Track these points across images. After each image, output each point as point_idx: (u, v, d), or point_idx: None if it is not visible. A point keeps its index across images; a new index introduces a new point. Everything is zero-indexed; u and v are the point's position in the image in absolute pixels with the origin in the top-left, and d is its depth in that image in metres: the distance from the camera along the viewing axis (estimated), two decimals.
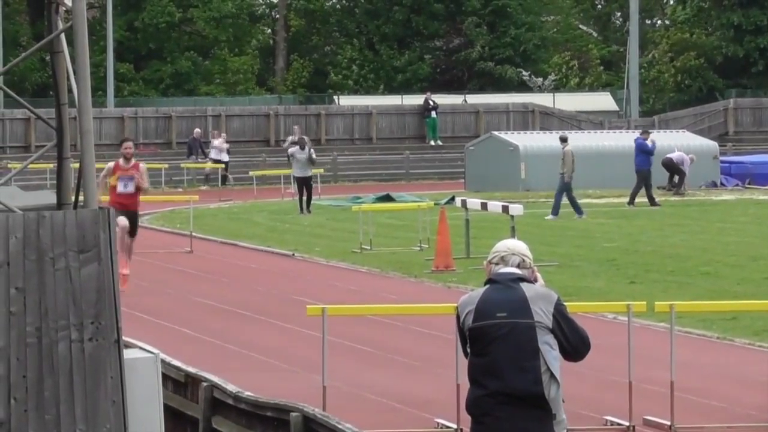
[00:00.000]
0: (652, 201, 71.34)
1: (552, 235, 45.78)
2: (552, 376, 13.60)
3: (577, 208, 54.00)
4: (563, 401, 13.86)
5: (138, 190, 35.10)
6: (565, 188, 65.33)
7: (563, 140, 74.05)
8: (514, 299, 13.65)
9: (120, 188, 34.42)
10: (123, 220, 33.59)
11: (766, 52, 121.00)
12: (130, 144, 37.32)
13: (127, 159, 35.48)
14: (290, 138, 79.80)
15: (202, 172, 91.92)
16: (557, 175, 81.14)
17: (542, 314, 13.62)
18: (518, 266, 13.77)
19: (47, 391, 16.04)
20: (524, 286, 13.69)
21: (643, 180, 72.95)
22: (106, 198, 34.06)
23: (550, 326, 13.56)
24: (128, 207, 34.80)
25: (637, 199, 71.82)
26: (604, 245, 49.54)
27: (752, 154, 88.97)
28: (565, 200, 62.92)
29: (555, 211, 52.74)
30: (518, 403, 13.65)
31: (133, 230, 35.28)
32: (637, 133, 78.14)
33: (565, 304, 14.00)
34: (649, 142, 74.38)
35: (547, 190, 76.30)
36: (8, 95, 19.59)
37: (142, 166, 36.53)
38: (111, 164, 35.14)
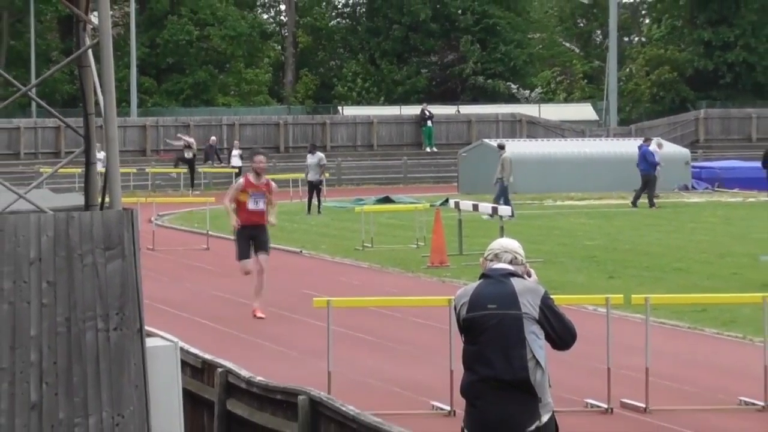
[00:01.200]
0: (651, 203, 71.20)
1: (539, 234, 45.80)
2: (537, 363, 13.82)
3: (511, 210, 53.73)
4: (550, 386, 14.00)
5: (268, 204, 32.34)
6: (503, 192, 65.73)
7: (501, 147, 74.62)
8: (504, 292, 13.88)
9: (251, 205, 31.65)
10: (248, 264, 32.12)
11: (733, 66, 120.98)
12: (262, 158, 33.54)
13: (258, 175, 32.67)
14: (312, 156, 79.90)
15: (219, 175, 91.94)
16: (544, 178, 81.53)
17: (529, 306, 13.83)
18: (510, 263, 14.06)
19: (75, 376, 16.07)
20: (514, 280, 13.93)
21: (647, 184, 73.06)
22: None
23: (537, 317, 13.80)
24: (257, 221, 32.05)
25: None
26: (586, 243, 49.57)
27: (721, 160, 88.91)
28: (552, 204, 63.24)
29: (494, 211, 52.45)
30: (506, 388, 13.86)
31: (265, 246, 32.15)
32: (653, 142, 78.26)
33: (552, 297, 14.26)
34: (652, 149, 74.53)
35: (532, 192, 76.37)
36: (40, 105, 19.57)
37: (274, 185, 33.30)
38: (241, 180, 32.81)
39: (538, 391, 13.89)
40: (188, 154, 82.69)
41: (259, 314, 29.41)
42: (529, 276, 14.23)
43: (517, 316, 13.85)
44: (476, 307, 13.93)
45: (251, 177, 32.48)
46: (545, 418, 14.02)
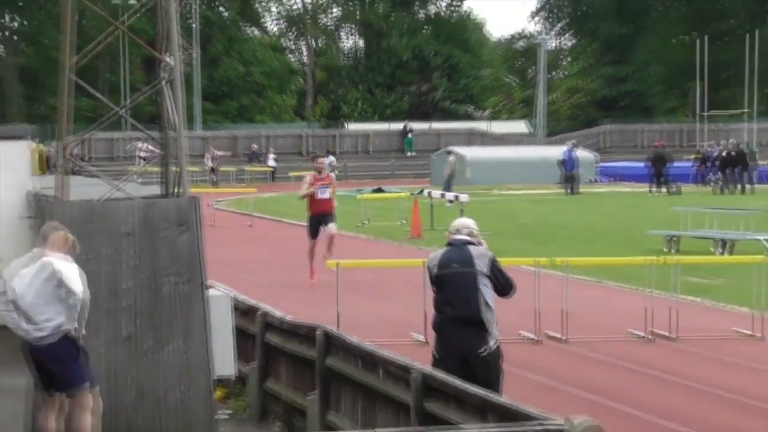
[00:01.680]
0: (574, 191, 71.88)
1: (488, 214, 45.57)
2: (488, 306, 14.42)
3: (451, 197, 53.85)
4: (496, 323, 14.36)
5: (332, 195, 32.81)
6: (447, 186, 66.44)
7: (448, 153, 77.05)
8: (464, 256, 14.56)
9: (318, 195, 32.21)
10: (322, 235, 32.19)
11: (629, 93, 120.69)
12: (322, 159, 34.78)
13: (319, 171, 32.95)
14: (327, 159, 79.70)
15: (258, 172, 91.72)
16: (492, 174, 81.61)
17: (482, 266, 14.48)
18: (468, 235, 14.83)
19: (157, 316, 16.24)
20: (471, 247, 14.62)
21: (572, 178, 73.30)
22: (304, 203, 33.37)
23: (487, 273, 14.62)
24: (326, 208, 32.38)
25: (569, 190, 72.20)
26: (522, 221, 49.53)
27: (618, 161, 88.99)
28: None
29: (449, 198, 52.62)
30: (465, 324, 14.55)
31: (330, 221, 32.33)
32: (566, 146, 78.26)
33: (497, 259, 15.02)
34: (574, 153, 74.77)
35: (484, 184, 76.28)
36: (131, 122, 19.32)
37: (333, 176, 35.00)
38: (308, 177, 33.02)
39: (488, 326, 14.46)
40: (213, 163, 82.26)
41: (312, 280, 29.23)
42: (481, 244, 14.76)
43: (473, 272, 14.49)
44: (444, 266, 14.65)
45: (315, 174, 32.81)
46: (492, 344, 14.43)
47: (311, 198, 32.42)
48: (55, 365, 13.72)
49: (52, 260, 13.56)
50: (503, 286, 14.80)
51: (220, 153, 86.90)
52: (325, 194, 32.19)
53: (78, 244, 14.19)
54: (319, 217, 32.17)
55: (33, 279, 13.57)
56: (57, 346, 13.63)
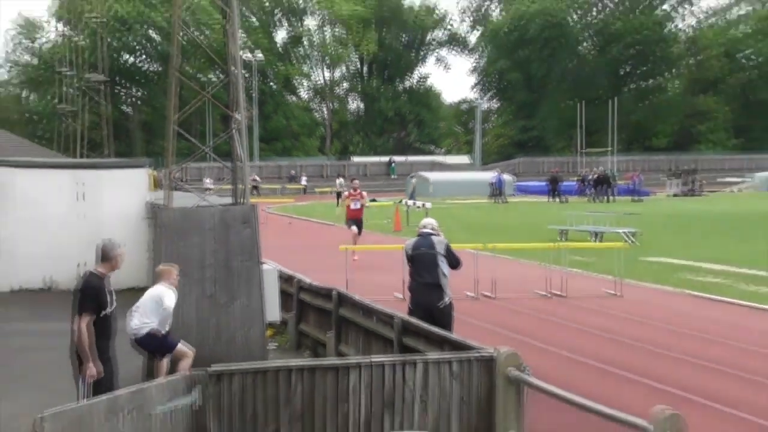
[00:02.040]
0: (502, 201, 71.56)
1: (444, 216, 45.48)
2: (444, 275, 14.71)
3: (415, 203, 53.91)
4: (449, 287, 14.52)
5: (362, 206, 33.39)
6: (411, 196, 65.99)
7: (412, 177, 78.85)
8: (428, 242, 14.78)
9: (352, 206, 33.18)
10: (354, 229, 32.68)
11: (533, 138, 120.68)
12: (357, 182, 35.99)
13: (354, 189, 33.65)
14: (338, 181, 79.37)
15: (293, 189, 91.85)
16: (446, 189, 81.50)
17: (440, 249, 14.70)
18: (431, 229, 14.82)
19: (228, 282, 16.09)
20: (433, 237, 14.86)
21: (501, 192, 73.17)
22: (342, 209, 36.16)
23: (444, 254, 14.62)
24: (356, 215, 33.10)
25: (497, 201, 72.15)
26: (466, 220, 49.47)
27: (528, 182, 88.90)
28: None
29: (417, 204, 52.78)
30: (428, 287, 14.75)
31: (359, 229, 32.98)
32: (495, 172, 78.61)
33: (450, 245, 15.18)
34: (503, 177, 75.33)
35: (442, 196, 76.25)
36: (213, 158, 19.41)
37: (364, 193, 34.44)
38: (346, 192, 35.29)
39: (444, 288, 14.65)
40: (255, 184, 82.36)
41: (355, 257, 28.59)
42: (439, 235, 14.84)
43: (434, 253, 14.72)
44: (416, 249, 14.90)
45: (351, 191, 33.79)
46: (447, 300, 14.58)
47: (347, 207, 33.74)
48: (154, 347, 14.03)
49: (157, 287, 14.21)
50: (454, 262, 14.93)
51: (258, 178, 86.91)
52: (356, 205, 33.03)
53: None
54: (352, 220, 32.97)
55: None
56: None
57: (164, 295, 13.95)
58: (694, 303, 23.02)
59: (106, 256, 11.19)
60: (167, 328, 14.10)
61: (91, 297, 10.95)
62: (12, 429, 12.21)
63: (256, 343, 16.64)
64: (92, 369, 10.86)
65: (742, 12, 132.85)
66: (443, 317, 14.32)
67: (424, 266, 14.74)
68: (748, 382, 14.65)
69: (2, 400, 14.12)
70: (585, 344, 17.52)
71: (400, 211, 48.47)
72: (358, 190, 33.58)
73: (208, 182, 76.19)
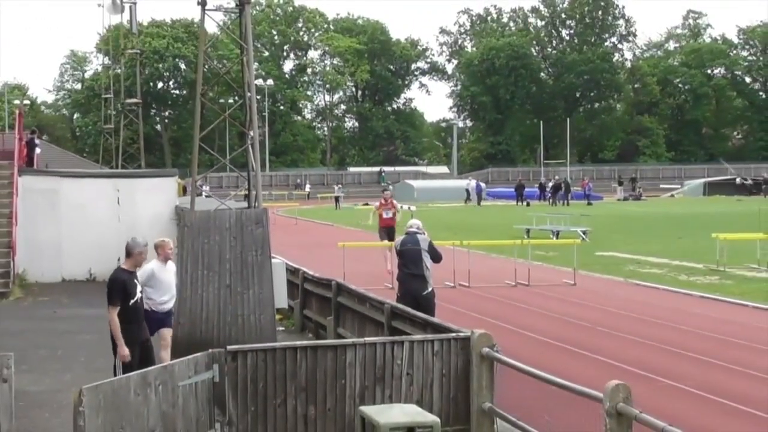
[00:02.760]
0: (479, 204, 71.58)
1: (426, 218, 45.41)
2: (427, 267, 14.52)
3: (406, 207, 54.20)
4: (432, 278, 14.24)
5: (394, 215, 28.54)
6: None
7: (389, 184, 77.67)
8: (414, 239, 14.55)
9: (384, 215, 28.49)
10: (384, 243, 26.18)
11: (502, 151, 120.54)
12: (389, 193, 30.55)
13: (385, 199, 28.94)
14: (336, 187, 79.01)
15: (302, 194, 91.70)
16: (429, 195, 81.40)
17: (424, 245, 14.51)
18: (417, 228, 14.43)
19: (244, 273, 15.85)
20: (418, 235, 14.71)
21: (479, 196, 73.23)
22: (374, 223, 30.10)
23: (428, 250, 14.42)
24: (388, 224, 28.33)
25: (472, 204, 71.98)
26: (445, 221, 49.40)
27: (498, 188, 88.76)
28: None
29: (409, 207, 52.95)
30: (415, 277, 14.54)
31: (391, 237, 26.69)
32: (473, 181, 78.75)
33: (433, 242, 14.85)
34: (481, 184, 75.49)
35: (425, 201, 76.11)
36: (231, 168, 19.33)
37: (396, 202, 29.86)
38: (377, 203, 29.31)
39: (427, 278, 14.43)
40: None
41: (389, 269, 22.42)
42: (424, 233, 14.60)
43: (419, 248, 14.55)
44: (404, 245, 14.76)
45: (383, 201, 29.14)
46: (430, 289, 14.41)
47: (380, 216, 29.25)
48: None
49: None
50: (436, 257, 14.79)
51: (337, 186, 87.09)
52: (388, 214, 28.68)
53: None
54: (386, 229, 28.47)
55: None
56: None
57: (149, 270, 12.88)
58: (638, 291, 22.98)
59: (129, 253, 11.14)
60: (164, 298, 13.21)
61: (117, 290, 10.89)
62: (56, 401, 12.11)
63: (267, 326, 16.52)
64: (123, 351, 10.83)
65: (673, 47, 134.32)
66: (427, 303, 14.22)
67: (411, 260, 14.62)
68: (683, 357, 14.59)
69: (47, 377, 14.01)
70: (546, 326, 17.42)
71: None
72: (390, 200, 29.44)
73: (206, 189, 75.38)
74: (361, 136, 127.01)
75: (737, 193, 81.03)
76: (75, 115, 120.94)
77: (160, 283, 12.80)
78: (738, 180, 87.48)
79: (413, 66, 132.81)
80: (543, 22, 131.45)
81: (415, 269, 14.60)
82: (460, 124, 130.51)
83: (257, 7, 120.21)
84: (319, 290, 17.66)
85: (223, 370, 9.67)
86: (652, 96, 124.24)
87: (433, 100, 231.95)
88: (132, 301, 11.01)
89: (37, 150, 38.19)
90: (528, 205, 69.45)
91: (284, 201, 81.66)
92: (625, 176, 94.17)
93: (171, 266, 13.07)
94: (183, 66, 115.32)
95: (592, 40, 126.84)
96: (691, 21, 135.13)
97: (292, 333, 18.34)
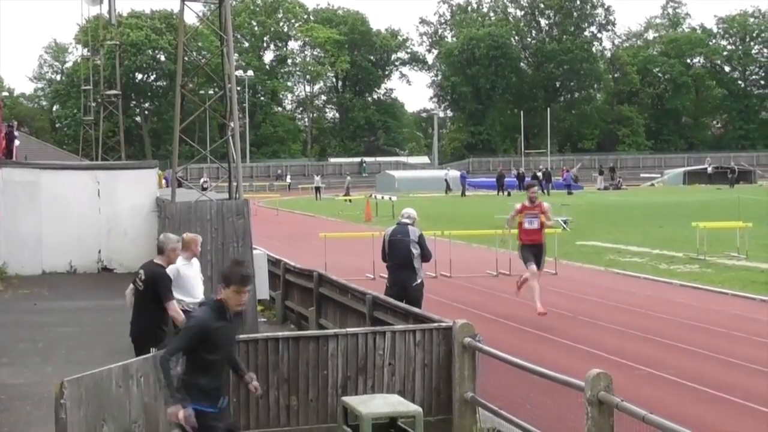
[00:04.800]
0: (462, 195, 71.57)
1: (409, 206, 45.52)
2: (416, 258, 14.21)
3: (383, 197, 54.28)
4: (422, 269, 14.39)
5: (542, 225, 17.73)
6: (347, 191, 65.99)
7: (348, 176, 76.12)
8: (404, 230, 14.51)
9: (526, 224, 17.72)
10: (532, 267, 17.47)
11: (483, 141, 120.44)
12: (536, 189, 19.11)
13: (532, 201, 17.83)
14: (317, 178, 78.78)
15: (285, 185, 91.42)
16: (410, 185, 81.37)
17: (414, 237, 14.45)
18: (408, 218, 14.46)
19: (226, 263, 15.88)
20: (409, 227, 14.67)
21: (464, 187, 73.33)
22: (514, 231, 18.94)
23: (417, 241, 14.33)
24: (534, 239, 17.70)
25: (453, 194, 72.03)
26: (426, 211, 49.32)
27: (479, 178, 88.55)
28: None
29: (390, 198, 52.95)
30: (403, 267, 14.48)
31: (538, 262, 17.76)
32: (450, 171, 78.73)
33: (423, 234, 14.74)
34: (465, 174, 75.84)
35: (406, 191, 76.08)
36: (212, 159, 19.23)
37: (546, 204, 18.39)
38: (518, 205, 18.13)
39: (416, 270, 14.27)
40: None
41: (540, 311, 16.84)
42: (414, 225, 14.46)
43: (408, 240, 14.43)
44: (394, 236, 14.59)
45: (527, 202, 17.97)
46: (419, 280, 14.29)
47: (520, 226, 18.10)
48: None
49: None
50: (426, 254, 14.48)
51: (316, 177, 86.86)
52: (533, 224, 17.82)
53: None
54: (529, 247, 17.79)
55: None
56: None
57: (173, 270, 11.44)
58: (619, 280, 23.04)
59: (161, 250, 10.81)
60: (191, 299, 11.57)
61: (167, 280, 10.46)
62: (37, 394, 12.04)
63: (249, 317, 16.50)
64: None
65: (653, 36, 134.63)
66: (416, 295, 14.01)
67: (400, 251, 14.43)
68: (663, 346, 14.65)
69: (28, 369, 13.94)
70: (528, 316, 17.44)
71: (371, 203, 48.29)
72: (538, 201, 18.17)
73: (206, 181, 75.36)
74: (342, 126, 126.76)
75: (715, 183, 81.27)
76: (54, 107, 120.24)
77: (186, 282, 11.46)
78: (709, 169, 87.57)
79: (393, 56, 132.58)
80: (522, 12, 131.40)
81: (403, 261, 14.43)
82: (441, 115, 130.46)
83: None
84: (300, 281, 17.62)
85: None
86: (632, 85, 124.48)
87: (413, 91, 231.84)
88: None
89: (17, 142, 37.94)
90: (509, 195, 69.43)
91: (265, 192, 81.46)
92: (603, 166, 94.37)
93: (196, 263, 12.11)
94: (163, 57, 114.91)
95: (572, 29, 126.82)
96: (670, 10, 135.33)
97: (274, 324, 18.30)
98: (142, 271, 10.64)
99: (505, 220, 19.94)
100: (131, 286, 10.78)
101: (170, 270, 10.79)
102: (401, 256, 14.39)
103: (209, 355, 7.20)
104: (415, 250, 14.32)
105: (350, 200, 63.20)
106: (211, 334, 7.13)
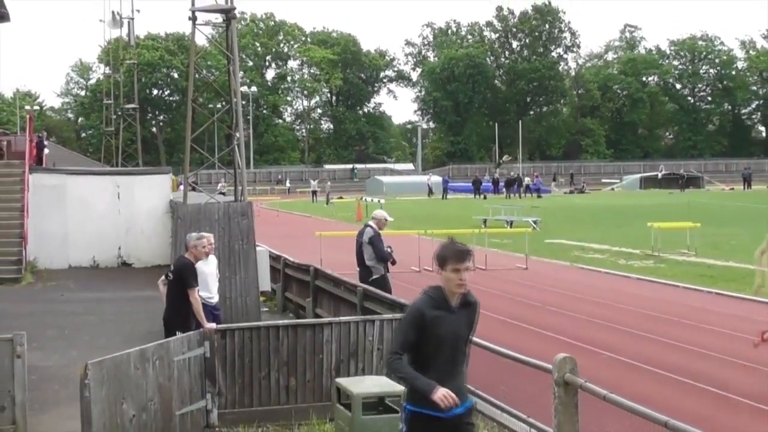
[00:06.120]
0: (444, 198, 71.36)
1: (392, 209, 45.44)
2: (371, 257, 13.97)
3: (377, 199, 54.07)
4: (377, 266, 14.11)
5: None
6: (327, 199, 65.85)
7: (320, 181, 75.43)
8: (362, 231, 14.26)
9: None
10: None
11: (461, 150, 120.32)
12: None
13: None
14: (313, 182, 78.63)
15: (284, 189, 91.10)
16: (396, 189, 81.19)
17: (366, 238, 13.90)
18: (373, 218, 14.77)
19: (231, 260, 15.83)
20: (367, 227, 14.63)
21: (445, 190, 73.14)
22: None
23: (368, 242, 13.92)
24: None
25: (435, 197, 71.82)
26: (410, 213, 49.34)
27: (458, 183, 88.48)
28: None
29: (378, 200, 52.82)
30: (360, 266, 14.18)
31: None
32: (434, 177, 78.20)
33: (378, 234, 14.14)
34: (448, 179, 75.68)
35: (393, 194, 76.00)
36: (219, 166, 19.23)
37: None
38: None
39: (371, 266, 13.92)
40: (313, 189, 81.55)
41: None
42: (380, 227, 14.26)
43: (361, 240, 13.99)
44: (357, 236, 14.18)
45: None
46: (376, 275, 14.08)
47: None
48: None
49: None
50: (376, 252, 13.85)
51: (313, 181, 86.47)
52: None
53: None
54: None
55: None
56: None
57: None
58: (583, 274, 23.07)
59: (186, 246, 10.77)
60: (209, 293, 11.53)
61: (192, 271, 10.29)
62: (63, 376, 12.02)
63: (252, 307, 16.48)
64: (209, 326, 9.94)
65: (612, 57, 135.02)
66: (379, 288, 13.11)
67: (358, 250, 14.23)
68: (622, 332, 14.67)
69: (56, 353, 13.90)
70: (502, 306, 17.46)
71: (361, 205, 48.21)
72: None
73: (223, 185, 74.88)
74: (336, 136, 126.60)
75: (668, 188, 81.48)
76: (80, 119, 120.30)
77: (204, 278, 11.10)
78: (659, 175, 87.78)
79: (382, 74, 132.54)
80: (497, 35, 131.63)
81: (359, 259, 14.02)
82: (424, 126, 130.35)
83: (242, 22, 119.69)
84: (298, 275, 17.59)
85: (214, 346, 9.66)
86: (594, 101, 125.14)
87: (399, 105, 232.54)
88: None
89: (46, 150, 37.90)
90: (485, 198, 69.55)
91: (267, 195, 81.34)
92: (566, 173, 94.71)
93: (213, 260, 11.70)
94: (176, 75, 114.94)
95: (541, 50, 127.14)
96: (627, 34, 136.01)
97: (275, 313, 18.27)
98: (172, 265, 10.71)
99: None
100: (162, 277, 10.78)
101: None
102: (358, 255, 14.05)
103: (428, 349, 5.41)
104: (368, 250, 13.85)
105: (332, 203, 63.19)
106: (428, 323, 5.44)
